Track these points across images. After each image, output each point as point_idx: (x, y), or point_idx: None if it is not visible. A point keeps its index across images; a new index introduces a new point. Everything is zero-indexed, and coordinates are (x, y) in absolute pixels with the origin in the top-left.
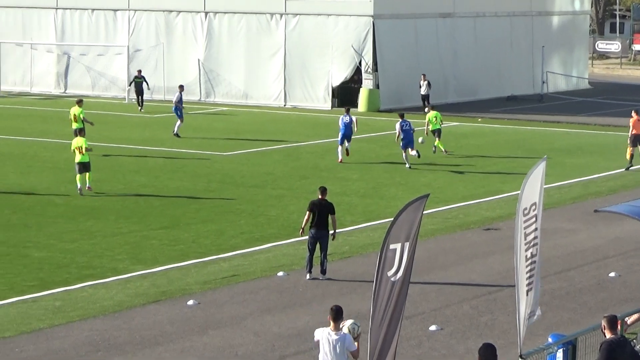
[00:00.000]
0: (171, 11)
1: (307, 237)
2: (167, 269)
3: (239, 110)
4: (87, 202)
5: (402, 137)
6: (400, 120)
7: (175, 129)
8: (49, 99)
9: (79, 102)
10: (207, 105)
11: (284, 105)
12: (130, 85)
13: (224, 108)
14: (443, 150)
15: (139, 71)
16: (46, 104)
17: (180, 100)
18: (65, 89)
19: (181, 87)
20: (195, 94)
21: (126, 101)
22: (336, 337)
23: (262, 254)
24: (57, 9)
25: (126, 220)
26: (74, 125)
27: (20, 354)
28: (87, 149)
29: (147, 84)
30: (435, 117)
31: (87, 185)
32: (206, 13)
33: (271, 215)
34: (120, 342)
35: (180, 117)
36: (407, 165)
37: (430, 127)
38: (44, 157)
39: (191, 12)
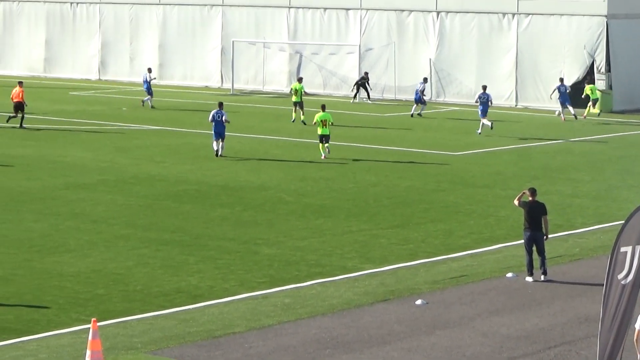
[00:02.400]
0: (403, 10)
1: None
2: (396, 268)
3: (470, 110)
4: (317, 200)
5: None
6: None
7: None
8: (280, 98)
9: (300, 80)
10: (437, 105)
11: (515, 105)
12: (355, 85)
13: (455, 108)
14: (589, 115)
15: (366, 73)
16: (278, 102)
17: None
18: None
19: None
20: (426, 94)
21: (357, 100)
22: None
23: (491, 254)
24: (289, 7)
25: (356, 219)
26: (294, 99)
27: (250, 349)
28: (331, 124)
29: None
30: (591, 89)
31: (324, 155)
32: (438, 12)
33: (501, 215)
34: (348, 340)
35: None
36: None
37: (591, 97)
38: (275, 154)
39: (423, 11)
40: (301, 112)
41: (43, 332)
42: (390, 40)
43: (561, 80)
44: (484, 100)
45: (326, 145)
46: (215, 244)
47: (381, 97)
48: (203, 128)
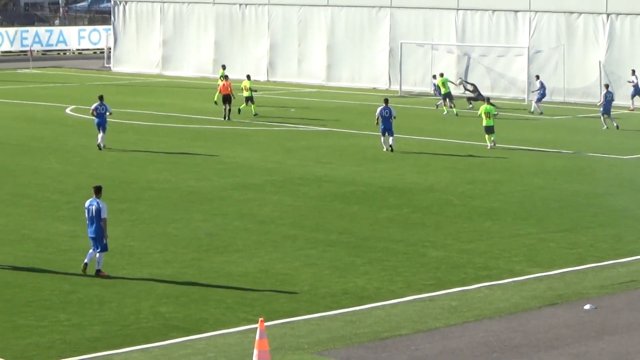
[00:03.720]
0: (572, 12)
1: None
2: (563, 272)
3: None
4: (485, 203)
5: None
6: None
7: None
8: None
9: (442, 75)
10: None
11: None
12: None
13: (625, 111)
14: None
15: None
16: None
17: None
18: (464, 90)
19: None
20: (596, 97)
21: (525, 102)
22: None
23: None
24: (458, 9)
25: (524, 222)
26: (443, 91)
27: (416, 352)
28: (494, 115)
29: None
30: None
31: (490, 145)
32: (608, 14)
33: None
34: (515, 344)
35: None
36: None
37: None
38: (443, 156)
39: (592, 13)
40: (450, 104)
41: (211, 331)
42: (560, 42)
43: (633, 71)
44: (609, 99)
45: (492, 137)
46: (383, 246)
47: (550, 100)
48: (370, 129)
